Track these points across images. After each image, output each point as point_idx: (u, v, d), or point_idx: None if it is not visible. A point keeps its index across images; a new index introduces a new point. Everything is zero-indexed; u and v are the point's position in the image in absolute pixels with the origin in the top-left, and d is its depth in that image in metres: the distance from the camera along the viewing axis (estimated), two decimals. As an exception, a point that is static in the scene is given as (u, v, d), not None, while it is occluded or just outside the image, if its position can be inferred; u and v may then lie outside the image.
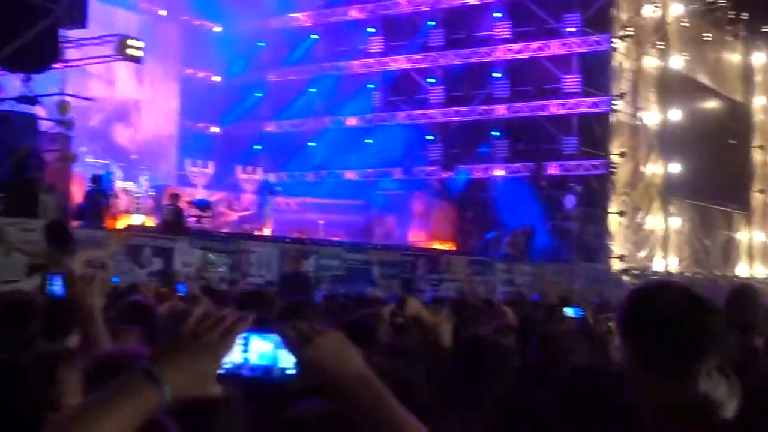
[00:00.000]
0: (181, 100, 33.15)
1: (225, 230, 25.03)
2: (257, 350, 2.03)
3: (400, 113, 33.58)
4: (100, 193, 21.25)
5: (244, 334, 1.97)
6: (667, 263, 34.05)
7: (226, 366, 1.92)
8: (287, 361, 2.01)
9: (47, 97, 20.60)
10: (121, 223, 22.56)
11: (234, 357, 1.95)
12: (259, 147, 34.98)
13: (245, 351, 2.02)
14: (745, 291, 6.58)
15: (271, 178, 28.35)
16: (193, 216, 23.82)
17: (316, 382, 1.93)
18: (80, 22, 21.37)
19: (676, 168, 34.17)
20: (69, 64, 22.75)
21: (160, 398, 1.74)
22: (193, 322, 1.84)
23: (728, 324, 2.59)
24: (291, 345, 1.95)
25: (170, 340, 1.83)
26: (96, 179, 21.59)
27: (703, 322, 2.41)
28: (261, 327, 2.03)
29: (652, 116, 33.62)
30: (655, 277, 28.40)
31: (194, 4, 33.43)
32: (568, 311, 8.91)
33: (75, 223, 19.93)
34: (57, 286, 4.27)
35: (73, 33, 22.07)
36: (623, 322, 2.50)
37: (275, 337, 2.02)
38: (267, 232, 26.81)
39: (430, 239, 30.32)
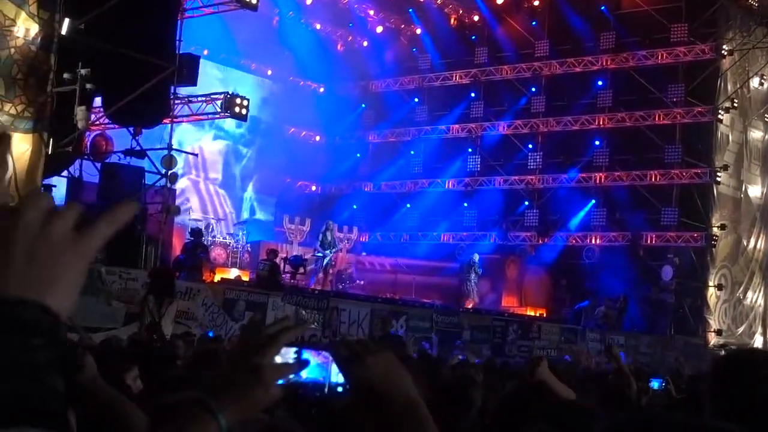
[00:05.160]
0: (283, 158, 33.70)
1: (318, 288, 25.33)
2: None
3: (498, 178, 33.57)
4: (199, 246, 21.70)
5: (296, 349, 1.96)
6: (766, 340, 33.05)
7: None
8: (338, 376, 2.00)
9: (154, 150, 21.30)
10: (217, 277, 23.02)
11: None
12: (356, 206, 35.41)
13: None
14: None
15: (476, 257, 28.48)
16: (287, 272, 24.14)
17: (365, 401, 1.90)
18: (191, 80, 22.12)
19: (779, 243, 33.33)
20: (177, 119, 23.52)
21: (217, 430, 1.70)
22: (242, 349, 1.78)
23: None
24: (342, 362, 1.93)
25: (226, 368, 1.78)
26: (195, 232, 22.09)
27: None
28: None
29: (756, 189, 32.93)
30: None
31: (300, 66, 34.24)
32: (654, 384, 8.93)
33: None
34: None
35: (183, 90, 22.87)
36: (712, 388, 2.53)
37: (327, 353, 2.00)
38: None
39: (522, 305, 30.12)
